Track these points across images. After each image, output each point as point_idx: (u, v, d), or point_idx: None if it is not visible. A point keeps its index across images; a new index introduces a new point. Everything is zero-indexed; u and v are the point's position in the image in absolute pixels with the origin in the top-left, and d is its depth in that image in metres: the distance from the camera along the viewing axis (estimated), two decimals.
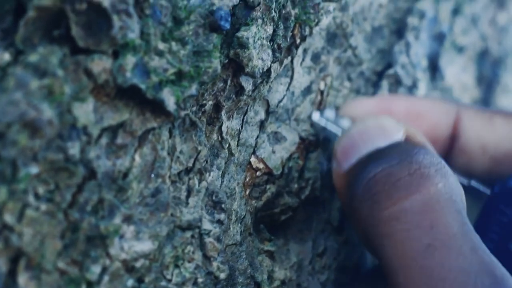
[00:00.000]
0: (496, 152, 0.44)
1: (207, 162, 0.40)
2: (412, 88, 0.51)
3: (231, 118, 0.41)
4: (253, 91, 0.41)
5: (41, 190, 0.32)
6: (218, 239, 0.40)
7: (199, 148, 0.39)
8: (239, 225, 0.42)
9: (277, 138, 0.44)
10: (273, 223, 0.45)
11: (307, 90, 0.45)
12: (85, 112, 0.33)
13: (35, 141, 0.32)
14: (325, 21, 0.45)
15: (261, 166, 0.43)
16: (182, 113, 0.37)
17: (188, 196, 0.39)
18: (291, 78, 0.44)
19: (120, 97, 0.35)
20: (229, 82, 0.40)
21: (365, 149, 0.40)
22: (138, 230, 0.36)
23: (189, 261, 0.39)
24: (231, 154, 0.41)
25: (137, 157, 0.36)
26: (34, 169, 0.32)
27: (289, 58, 0.43)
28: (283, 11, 0.41)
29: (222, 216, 0.40)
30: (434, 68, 0.54)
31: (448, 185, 0.36)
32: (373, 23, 0.49)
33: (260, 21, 0.39)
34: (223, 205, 0.40)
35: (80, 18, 0.33)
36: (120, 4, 0.33)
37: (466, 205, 0.37)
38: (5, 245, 0.32)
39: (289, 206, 0.45)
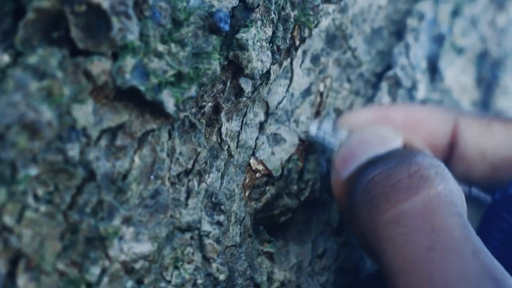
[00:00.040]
0: (495, 158, 0.44)
1: (206, 163, 0.40)
2: (411, 90, 0.51)
3: (230, 120, 0.41)
4: (252, 92, 0.41)
5: (40, 191, 0.32)
6: (218, 241, 0.40)
7: (199, 149, 0.39)
8: (239, 226, 0.42)
9: (276, 139, 0.44)
10: (272, 224, 0.45)
11: (307, 92, 0.45)
12: (84, 113, 0.33)
13: (34, 142, 0.32)
14: (325, 22, 0.45)
15: (260, 167, 0.43)
16: (182, 115, 0.37)
17: (187, 198, 0.39)
18: (291, 79, 0.44)
19: (120, 98, 0.35)
20: (228, 83, 0.40)
21: (364, 156, 0.39)
22: (137, 231, 0.36)
23: (188, 263, 0.39)
24: (230, 155, 0.41)
25: (136, 159, 0.36)
26: (33, 171, 0.32)
27: (289, 59, 0.43)
28: (283, 13, 0.41)
29: (222, 218, 0.40)
30: (433, 70, 0.54)
31: (448, 188, 0.36)
32: (373, 24, 0.49)
33: (259, 22, 0.39)
34: (222, 207, 0.40)
35: (79, 19, 0.33)
36: (119, 6, 0.33)
37: (466, 210, 0.37)
38: (5, 246, 0.32)
39: (288, 208, 0.45)
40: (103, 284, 0.35)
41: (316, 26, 0.44)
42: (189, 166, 0.39)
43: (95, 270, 0.35)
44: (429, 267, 0.33)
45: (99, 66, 0.33)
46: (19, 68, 0.32)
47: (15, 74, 0.31)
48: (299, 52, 0.44)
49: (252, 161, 0.43)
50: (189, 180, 0.39)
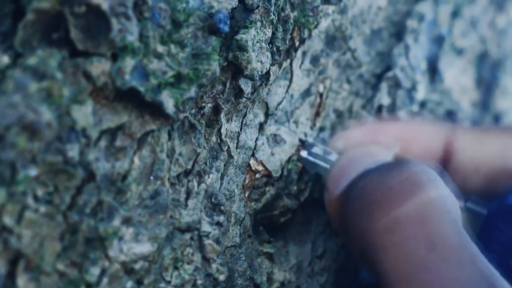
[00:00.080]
0: (489, 170, 0.43)
1: (206, 164, 0.40)
2: (411, 91, 0.51)
3: (230, 121, 0.41)
4: (252, 93, 0.41)
5: (40, 192, 0.32)
6: (217, 241, 0.40)
7: (198, 150, 0.39)
8: (238, 227, 0.42)
9: (276, 140, 0.44)
10: (272, 225, 0.45)
11: (306, 93, 0.46)
12: (84, 114, 0.33)
13: (34, 143, 0.32)
14: (324, 23, 0.45)
15: (260, 168, 0.43)
16: (181, 116, 0.37)
17: (187, 198, 0.39)
18: (290, 80, 0.44)
19: (119, 99, 0.35)
20: (228, 84, 0.40)
21: (354, 172, 0.39)
22: (137, 232, 0.36)
23: (188, 263, 0.39)
24: (230, 156, 0.41)
25: (136, 160, 0.36)
26: (33, 171, 0.32)
27: (288, 60, 0.44)
28: (282, 14, 0.41)
29: (221, 218, 0.40)
30: (433, 71, 0.54)
31: (441, 194, 0.35)
32: (372, 25, 0.49)
33: (259, 23, 0.40)
34: (222, 207, 0.41)
35: (79, 21, 0.33)
36: (119, 7, 0.33)
37: (461, 218, 0.36)
38: (4, 247, 0.32)
39: (288, 208, 0.45)
40: (102, 285, 0.35)
41: (315, 27, 0.44)
42: (189, 166, 0.39)
43: (95, 271, 0.35)
44: (426, 276, 0.32)
45: (99, 67, 0.33)
46: (19, 69, 0.32)
47: (15, 75, 0.32)
48: (299, 53, 0.44)
49: (252, 161, 0.43)
50: (188, 181, 0.39)
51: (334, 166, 0.41)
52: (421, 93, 0.52)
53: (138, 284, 0.37)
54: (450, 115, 0.56)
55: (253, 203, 0.43)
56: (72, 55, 0.33)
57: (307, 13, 0.43)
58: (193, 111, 0.38)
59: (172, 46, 0.36)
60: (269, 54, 0.40)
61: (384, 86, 0.50)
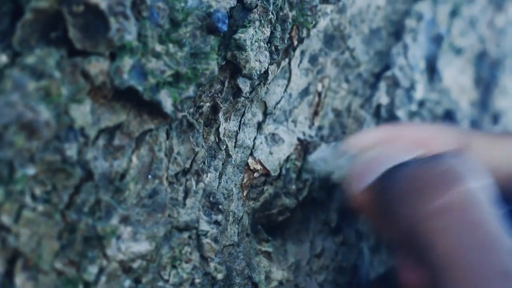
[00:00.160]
0: (503, 175, 0.44)
1: (204, 163, 0.40)
2: (409, 90, 0.51)
3: (228, 120, 0.41)
4: (250, 92, 0.41)
5: (38, 191, 0.33)
6: (216, 240, 0.40)
7: (197, 149, 0.39)
8: (237, 226, 0.42)
9: (274, 139, 0.44)
10: (270, 224, 0.45)
11: (305, 92, 0.46)
12: (82, 113, 0.33)
13: (32, 142, 0.32)
14: (323, 23, 0.45)
15: (258, 167, 0.43)
16: (180, 115, 0.37)
17: (185, 197, 0.39)
18: (289, 79, 0.44)
19: (117, 98, 0.35)
20: (226, 83, 0.40)
21: (384, 166, 0.40)
22: (135, 231, 0.36)
23: (186, 262, 0.39)
24: (228, 155, 0.41)
25: (134, 159, 0.36)
26: (31, 170, 0.32)
27: (287, 60, 0.44)
28: (281, 13, 0.41)
29: (220, 217, 0.41)
30: (432, 70, 0.54)
31: (480, 185, 0.36)
32: (371, 25, 0.49)
33: (257, 23, 0.40)
34: (220, 206, 0.41)
35: (77, 20, 0.33)
36: (117, 7, 0.33)
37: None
38: (2, 245, 0.32)
39: (286, 207, 0.45)
40: (100, 283, 0.35)
41: (314, 26, 0.44)
42: (187, 165, 0.39)
43: (93, 269, 0.35)
44: (474, 260, 0.34)
45: (97, 66, 0.34)
46: (17, 68, 0.32)
47: (13, 74, 0.32)
48: (297, 52, 0.44)
49: (250, 161, 0.43)
50: (187, 180, 0.39)
51: (356, 163, 0.42)
52: (419, 93, 0.52)
53: (136, 283, 0.37)
54: (449, 115, 0.56)
55: (251, 202, 0.44)
56: (70, 54, 0.33)
57: (305, 13, 0.43)
58: (191, 110, 0.38)
59: (171, 45, 0.36)
60: (267, 53, 0.40)
61: (382, 85, 0.50)
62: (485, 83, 0.60)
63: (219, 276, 0.40)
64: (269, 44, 0.41)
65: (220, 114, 0.40)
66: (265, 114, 0.44)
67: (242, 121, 0.42)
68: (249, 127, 0.43)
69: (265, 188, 0.44)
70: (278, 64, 0.43)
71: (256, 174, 0.43)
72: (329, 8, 0.45)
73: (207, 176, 0.40)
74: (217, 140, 0.41)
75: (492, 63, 0.60)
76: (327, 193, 0.47)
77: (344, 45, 0.47)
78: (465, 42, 0.57)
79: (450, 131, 0.46)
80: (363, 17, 0.49)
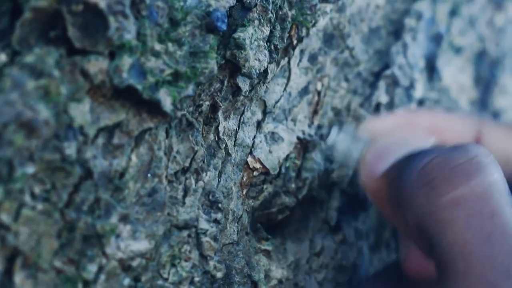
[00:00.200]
0: None
1: (204, 162, 0.40)
2: (409, 89, 0.51)
3: (228, 119, 0.41)
4: (250, 91, 0.41)
5: (37, 189, 0.33)
6: (215, 239, 0.40)
7: (196, 148, 0.39)
8: (236, 224, 0.42)
9: (274, 138, 0.44)
10: (270, 222, 0.45)
11: (304, 91, 0.46)
12: (81, 112, 0.34)
13: (31, 141, 0.32)
14: (322, 22, 0.45)
15: (258, 166, 0.44)
16: (179, 114, 0.37)
17: (184, 196, 0.39)
18: (288, 78, 0.44)
19: (117, 97, 0.35)
20: (226, 82, 0.40)
21: (401, 151, 0.40)
22: (134, 229, 0.36)
23: (185, 260, 0.39)
24: (228, 154, 0.42)
25: (133, 157, 0.36)
26: (30, 169, 0.32)
27: (286, 59, 0.44)
28: (280, 12, 0.41)
29: (219, 216, 0.41)
30: (431, 69, 0.54)
31: (501, 177, 0.36)
32: (370, 24, 0.49)
33: (256, 22, 0.40)
34: (220, 205, 0.41)
35: (77, 19, 0.33)
36: (116, 6, 0.33)
37: None
38: (2, 244, 0.32)
39: (286, 206, 0.45)
40: (100, 282, 0.35)
41: (313, 25, 0.44)
42: (187, 164, 0.39)
43: (92, 268, 0.35)
44: (491, 251, 0.33)
45: (96, 65, 0.34)
46: (16, 67, 0.32)
47: (12, 73, 0.32)
48: (297, 51, 0.44)
49: (249, 159, 0.43)
50: (186, 178, 0.39)
51: (371, 149, 0.42)
52: (419, 92, 0.52)
53: (135, 281, 0.37)
54: None
55: (250, 201, 0.44)
56: (69, 53, 0.33)
57: (305, 12, 0.43)
58: (190, 109, 0.38)
59: (170, 44, 0.36)
60: (267, 52, 0.41)
61: (382, 84, 0.50)
62: (485, 82, 0.60)
63: (219, 274, 0.40)
64: (268, 43, 0.41)
65: (220, 113, 0.40)
66: (265, 113, 0.44)
67: (241, 120, 0.42)
68: (249, 126, 0.43)
69: (265, 186, 0.44)
70: (278, 63, 0.43)
71: (255, 173, 0.44)
72: (328, 7, 0.45)
73: (206, 175, 0.40)
74: (216, 139, 0.41)
75: (491, 62, 0.60)
76: (326, 191, 0.47)
77: (343, 44, 0.47)
78: (465, 41, 0.57)
79: (465, 119, 0.46)
80: (363, 16, 0.49)
